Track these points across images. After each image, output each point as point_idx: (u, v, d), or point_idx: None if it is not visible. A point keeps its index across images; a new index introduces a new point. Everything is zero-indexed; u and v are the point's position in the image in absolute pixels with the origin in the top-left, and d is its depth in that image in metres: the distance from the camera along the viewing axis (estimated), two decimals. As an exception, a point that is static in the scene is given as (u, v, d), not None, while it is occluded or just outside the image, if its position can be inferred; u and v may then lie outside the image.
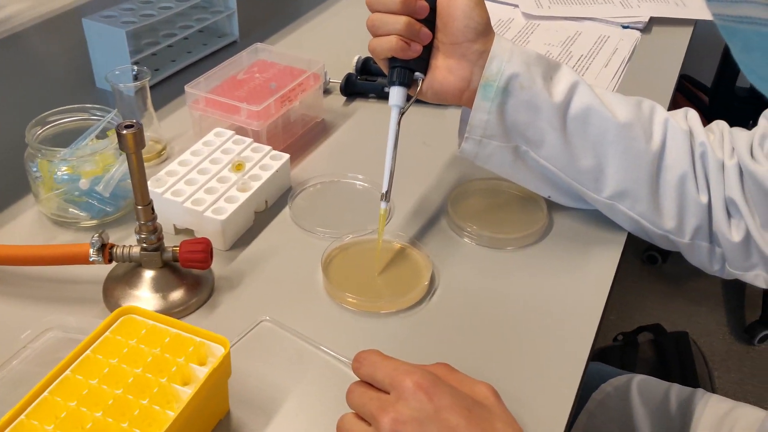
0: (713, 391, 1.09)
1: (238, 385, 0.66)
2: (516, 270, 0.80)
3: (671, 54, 1.29)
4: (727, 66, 2.25)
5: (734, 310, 2.33)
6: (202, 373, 0.58)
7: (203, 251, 0.72)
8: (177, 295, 0.73)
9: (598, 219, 0.87)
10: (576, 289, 0.78)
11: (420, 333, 0.72)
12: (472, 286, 0.78)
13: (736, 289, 2.39)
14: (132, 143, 0.65)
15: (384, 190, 0.76)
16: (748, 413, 0.94)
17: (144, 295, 0.72)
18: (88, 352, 0.59)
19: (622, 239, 0.85)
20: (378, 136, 1.02)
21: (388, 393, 0.56)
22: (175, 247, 0.73)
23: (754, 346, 2.21)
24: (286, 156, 0.89)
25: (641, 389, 1.05)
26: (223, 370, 0.59)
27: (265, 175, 0.86)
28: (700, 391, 1.03)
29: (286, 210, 0.88)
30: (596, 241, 0.85)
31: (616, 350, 1.61)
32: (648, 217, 0.80)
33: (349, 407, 0.58)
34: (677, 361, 1.84)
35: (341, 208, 0.89)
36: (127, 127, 0.64)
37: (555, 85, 0.76)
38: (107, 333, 0.61)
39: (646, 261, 2.42)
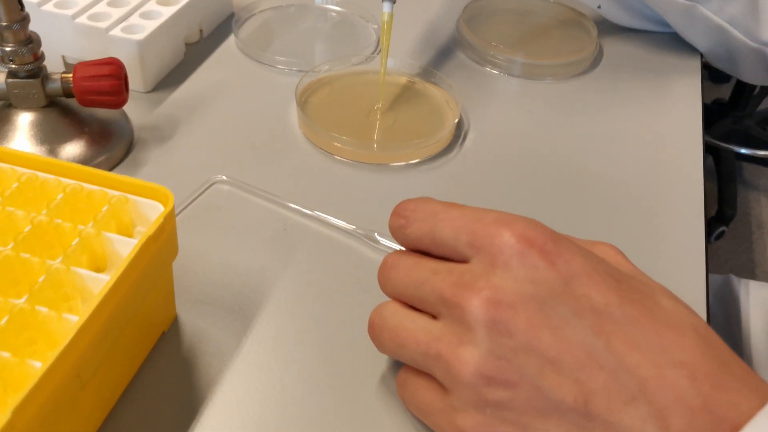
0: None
1: (189, 279, 0.40)
2: (568, 106, 0.57)
3: None
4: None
5: (689, 207, 2.22)
6: (128, 247, 0.33)
7: (113, 75, 0.45)
8: (74, 148, 0.46)
9: (659, 42, 0.64)
10: (658, 128, 0.55)
11: (455, 189, 0.48)
12: (515, 126, 0.54)
13: (690, 185, 2.28)
14: None
15: (388, -20, 0.51)
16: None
17: (19, 149, 0.45)
18: None
19: (695, 65, 0.63)
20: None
21: (463, 261, 0.32)
22: (66, 73, 0.46)
23: (710, 243, 2.11)
24: (226, -37, 0.62)
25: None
26: (165, 241, 0.34)
27: (198, -14, 0.58)
28: (732, 277, 0.85)
29: (231, 39, 0.61)
30: (663, 68, 0.62)
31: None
32: (741, 24, 0.58)
33: (389, 292, 0.34)
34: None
35: (309, 37, 0.63)
36: None
37: None
38: (-54, 191, 0.34)
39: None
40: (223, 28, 0.63)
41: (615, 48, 0.64)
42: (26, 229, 0.32)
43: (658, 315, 0.30)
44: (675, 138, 0.54)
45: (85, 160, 0.46)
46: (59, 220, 0.33)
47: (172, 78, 0.56)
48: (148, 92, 0.54)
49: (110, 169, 0.47)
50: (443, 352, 0.30)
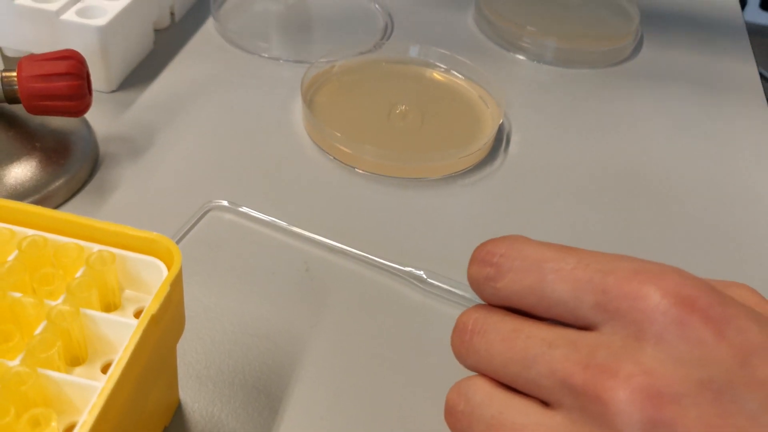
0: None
1: (191, 349, 0.30)
2: (618, 100, 0.48)
3: None
4: None
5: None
6: (118, 329, 0.23)
7: (72, 72, 0.34)
8: (23, 170, 0.35)
9: (702, 24, 0.56)
10: (722, 124, 0.47)
11: (506, 207, 0.39)
12: (564, 126, 0.45)
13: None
14: None
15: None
16: None
17: (-51, 175, 0.34)
18: None
19: (747, 50, 0.55)
20: None
21: (587, 328, 0.23)
22: (7, 72, 0.35)
23: None
24: (199, -70, 0.51)
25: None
26: (172, 317, 0.24)
27: (168, -42, 0.47)
28: None
29: (210, 24, 0.50)
30: (713, 55, 0.54)
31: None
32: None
33: (474, 366, 0.25)
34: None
35: (302, 20, 0.53)
36: None
37: None
38: None
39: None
40: (198, 9, 0.52)
41: (653, 31, 0.56)
42: (-33, 311, 0.22)
43: None
44: (744, 136, 0.46)
45: (38, 185, 0.35)
46: (16, 294, 0.22)
47: (140, 73, 0.45)
48: (113, 92, 0.43)
49: (71, 197, 0.36)
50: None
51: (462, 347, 0.25)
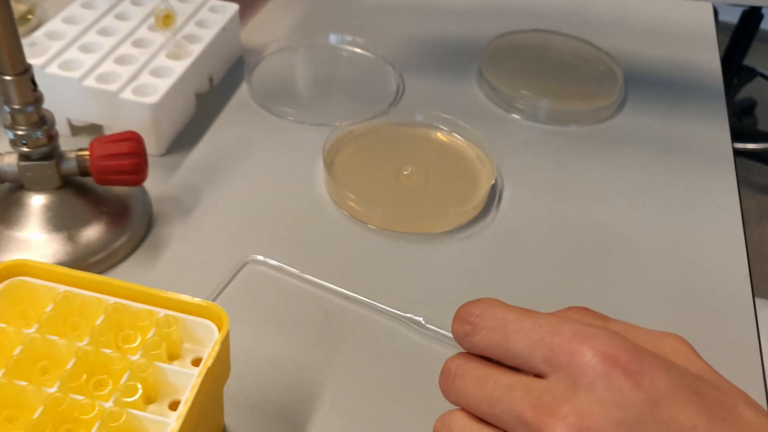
0: None
1: (234, 380, 0.38)
2: (600, 158, 0.55)
3: None
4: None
5: None
6: (182, 378, 0.30)
7: (134, 152, 0.42)
8: (93, 232, 0.43)
9: (680, 79, 0.63)
10: (693, 184, 0.54)
11: (497, 259, 0.46)
12: (550, 183, 0.52)
13: None
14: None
15: None
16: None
17: (34, 239, 0.42)
18: (-62, 360, 0.29)
19: (722, 117, 0.61)
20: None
21: (540, 376, 0.30)
22: (81, 151, 0.43)
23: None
24: (235, 6, 0.58)
25: None
26: (221, 366, 0.31)
27: (208, 35, 0.55)
28: None
29: (243, 89, 0.58)
30: (690, 113, 0.60)
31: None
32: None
33: (455, 402, 0.32)
34: None
35: (325, 84, 0.60)
36: None
37: None
38: (-25, 317, 0.31)
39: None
40: (233, 73, 0.59)
41: (636, 89, 0.62)
42: (70, 364, 0.29)
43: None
44: (711, 203, 0.52)
45: (105, 244, 0.43)
46: (107, 350, 0.30)
47: (185, 137, 0.53)
48: (162, 155, 0.51)
49: (130, 254, 0.44)
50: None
51: (446, 387, 0.32)
